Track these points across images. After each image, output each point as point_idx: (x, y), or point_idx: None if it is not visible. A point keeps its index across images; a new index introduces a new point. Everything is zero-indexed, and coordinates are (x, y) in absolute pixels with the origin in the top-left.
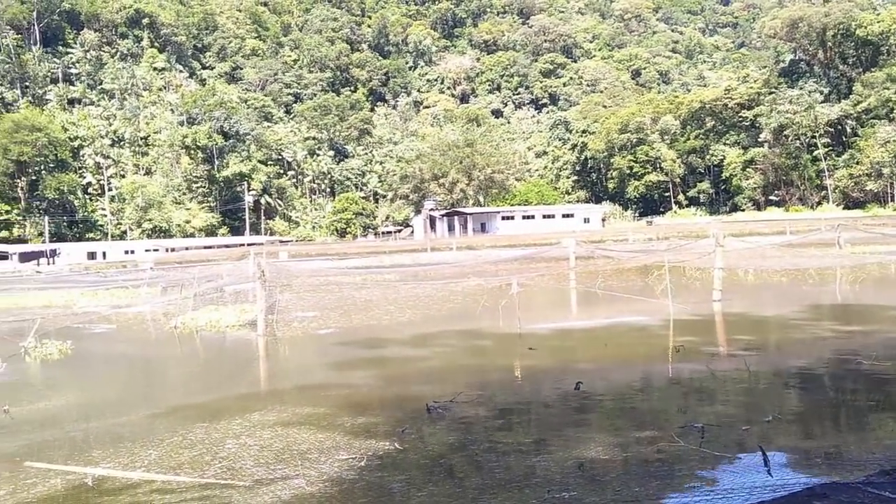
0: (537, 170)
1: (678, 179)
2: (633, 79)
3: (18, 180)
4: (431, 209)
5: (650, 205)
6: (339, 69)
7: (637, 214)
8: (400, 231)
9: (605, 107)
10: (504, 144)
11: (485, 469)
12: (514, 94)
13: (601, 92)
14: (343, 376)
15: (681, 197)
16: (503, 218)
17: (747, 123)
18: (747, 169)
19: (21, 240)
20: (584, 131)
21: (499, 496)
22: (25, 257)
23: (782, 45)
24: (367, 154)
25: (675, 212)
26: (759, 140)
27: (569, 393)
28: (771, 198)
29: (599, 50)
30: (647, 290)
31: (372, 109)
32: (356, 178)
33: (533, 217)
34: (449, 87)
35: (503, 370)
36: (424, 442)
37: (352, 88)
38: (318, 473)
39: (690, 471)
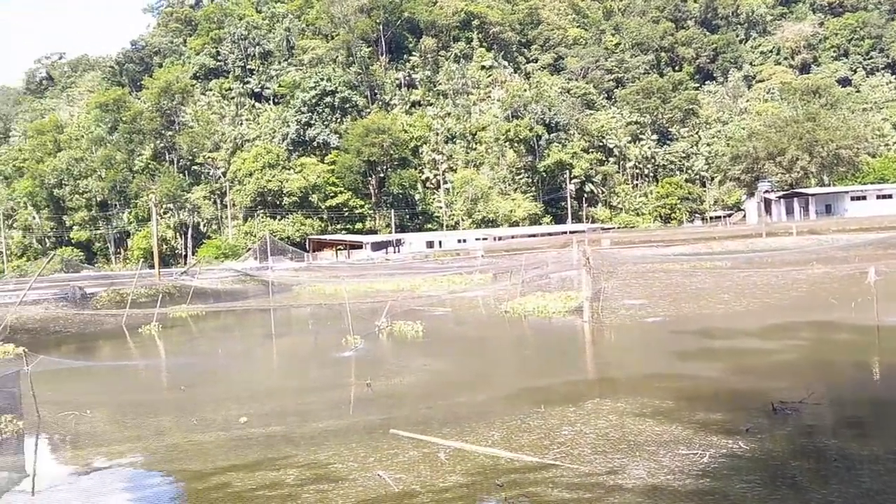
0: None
1: None
2: None
3: (369, 178)
4: (766, 191)
5: None
6: (662, 49)
7: None
8: (730, 215)
9: None
10: (853, 116)
11: (836, 481)
12: (865, 60)
13: None
14: (677, 367)
15: None
16: (853, 198)
17: None
18: None
19: (372, 231)
20: None
21: None
22: (376, 246)
23: None
24: (692, 136)
25: None
26: None
27: None
28: None
29: None
30: None
31: (698, 88)
32: (680, 161)
33: (890, 196)
34: (786, 58)
35: (859, 368)
36: (769, 444)
37: (676, 68)
38: (657, 466)
39: None
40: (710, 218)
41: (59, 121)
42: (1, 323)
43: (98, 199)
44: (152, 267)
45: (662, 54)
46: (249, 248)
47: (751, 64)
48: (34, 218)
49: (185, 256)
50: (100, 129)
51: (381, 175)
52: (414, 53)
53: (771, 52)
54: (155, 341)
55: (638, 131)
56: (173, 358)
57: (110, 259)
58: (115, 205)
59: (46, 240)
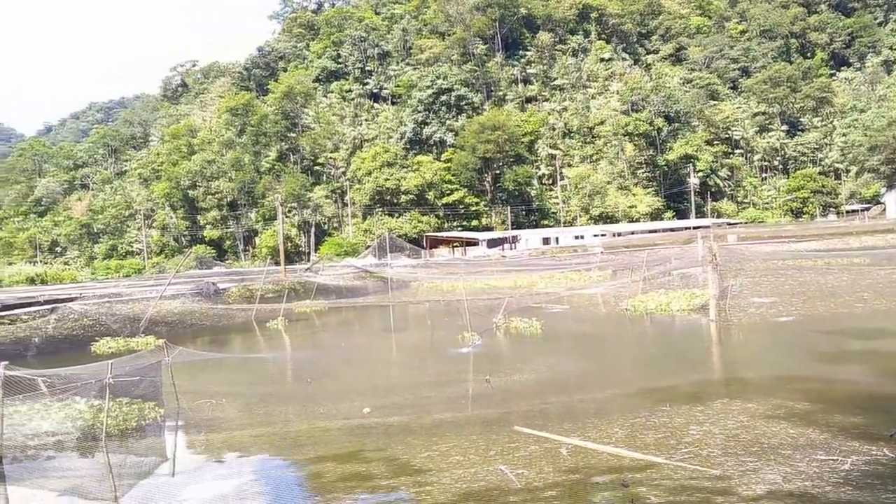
0: None
1: None
2: None
3: (485, 175)
4: None
5: None
6: (792, 35)
7: None
8: (868, 209)
9: None
10: None
11: None
12: None
13: None
14: (811, 368)
15: None
16: None
17: None
18: None
19: (487, 228)
20: None
21: None
22: (492, 243)
23: None
24: (825, 125)
25: None
26: None
27: None
28: None
29: None
30: None
31: (832, 76)
32: (812, 152)
33: None
34: None
35: None
36: None
37: (806, 55)
38: (793, 471)
39: None
40: (846, 212)
41: (192, 125)
42: (143, 316)
43: (228, 200)
44: (278, 264)
45: (792, 41)
46: (369, 246)
47: (890, 48)
48: (171, 217)
49: (308, 253)
50: (229, 132)
51: (497, 172)
52: (529, 49)
53: None
54: (282, 335)
55: (766, 122)
56: (299, 351)
57: (239, 256)
58: (244, 205)
59: (182, 238)
